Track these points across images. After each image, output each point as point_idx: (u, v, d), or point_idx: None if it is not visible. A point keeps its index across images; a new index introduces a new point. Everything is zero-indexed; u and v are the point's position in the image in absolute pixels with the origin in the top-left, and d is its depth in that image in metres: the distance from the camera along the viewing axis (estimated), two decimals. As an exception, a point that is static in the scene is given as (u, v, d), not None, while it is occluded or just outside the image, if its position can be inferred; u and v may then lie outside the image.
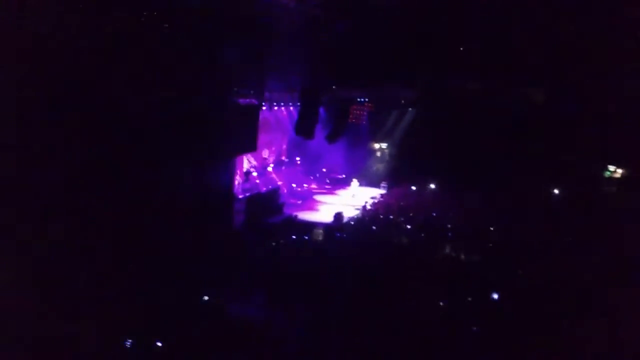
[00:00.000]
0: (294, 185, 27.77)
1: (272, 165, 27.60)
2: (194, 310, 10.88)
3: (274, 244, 16.90)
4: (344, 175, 31.48)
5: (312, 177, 30.37)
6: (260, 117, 21.95)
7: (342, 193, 29.53)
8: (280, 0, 16.80)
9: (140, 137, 13.30)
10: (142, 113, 13.28)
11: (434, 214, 21.59)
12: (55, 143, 11.26)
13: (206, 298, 11.31)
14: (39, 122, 10.94)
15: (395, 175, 30.97)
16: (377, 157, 33.62)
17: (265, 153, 27.30)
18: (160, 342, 9.22)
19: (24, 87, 10.56)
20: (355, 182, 28.73)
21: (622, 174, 27.24)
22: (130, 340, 9.14)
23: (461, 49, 23.40)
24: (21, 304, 9.25)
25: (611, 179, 27.44)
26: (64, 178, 11.42)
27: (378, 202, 25.73)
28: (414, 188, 28.04)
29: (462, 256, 15.68)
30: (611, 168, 27.35)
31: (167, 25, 14.02)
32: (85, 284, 10.63)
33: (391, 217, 21.17)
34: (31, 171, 10.82)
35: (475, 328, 10.55)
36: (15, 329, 8.73)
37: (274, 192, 24.12)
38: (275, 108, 24.87)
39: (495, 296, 11.81)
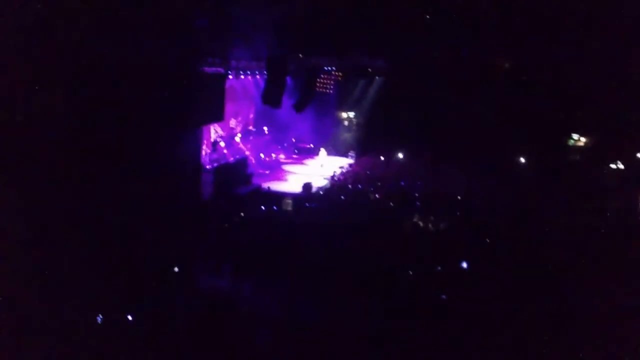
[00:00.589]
0: (262, 155, 27.60)
1: (239, 135, 27.33)
2: (164, 281, 10.80)
3: (242, 214, 16.82)
4: (312, 145, 31.39)
5: (280, 147, 30.21)
6: (227, 86, 21.63)
7: (310, 163, 29.48)
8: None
9: (105, 108, 13.00)
10: (106, 82, 12.96)
11: (402, 183, 21.73)
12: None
13: (176, 269, 11.24)
14: None
15: (363, 145, 31.00)
16: (345, 126, 33.55)
17: (232, 123, 27.01)
18: (131, 316, 9.15)
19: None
20: (323, 152, 28.68)
21: (586, 143, 27.73)
22: (101, 316, 9.04)
23: (427, 16, 23.30)
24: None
25: (575, 147, 27.92)
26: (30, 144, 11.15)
27: (346, 171, 25.79)
28: (382, 158, 28.14)
29: (430, 225, 15.85)
30: (575, 136, 27.81)
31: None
32: (51, 257, 10.44)
33: (360, 186, 21.24)
34: None
35: (443, 296, 10.71)
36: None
37: (242, 162, 23.94)
38: (242, 77, 24.51)
39: (465, 265, 11.97)
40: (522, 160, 25.84)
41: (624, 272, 11.36)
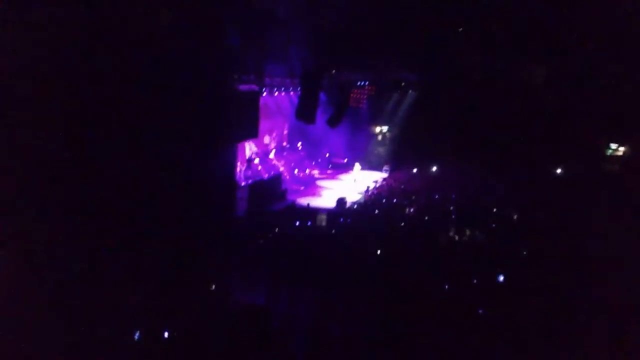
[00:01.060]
0: (296, 171, 27.73)
1: (274, 151, 27.53)
2: (200, 298, 10.89)
3: (277, 230, 16.89)
4: (346, 160, 31.44)
5: (314, 163, 30.31)
6: (261, 102, 21.85)
7: (344, 177, 29.50)
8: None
9: (141, 126, 13.22)
10: (142, 101, 13.19)
11: (437, 196, 21.57)
12: (55, 130, 11.19)
13: (212, 287, 11.32)
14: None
15: (397, 159, 30.96)
16: (379, 140, 33.55)
17: (266, 139, 27.23)
18: (168, 332, 9.24)
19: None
20: (357, 166, 28.66)
21: (625, 152, 27.16)
22: (138, 332, 9.15)
23: (460, 29, 23.22)
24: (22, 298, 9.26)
25: (613, 157, 27.37)
26: (63, 167, 11.36)
27: (380, 185, 25.71)
28: (415, 171, 28.00)
29: (466, 238, 15.69)
30: (613, 146, 27.28)
31: (166, 11, 13.87)
32: (88, 276, 10.62)
33: (394, 200, 21.15)
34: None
35: (481, 310, 10.56)
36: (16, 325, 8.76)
37: (276, 178, 24.08)
38: (276, 93, 24.75)
39: (501, 278, 11.80)
40: (559, 171, 25.42)
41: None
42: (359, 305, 10.60)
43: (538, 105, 25.66)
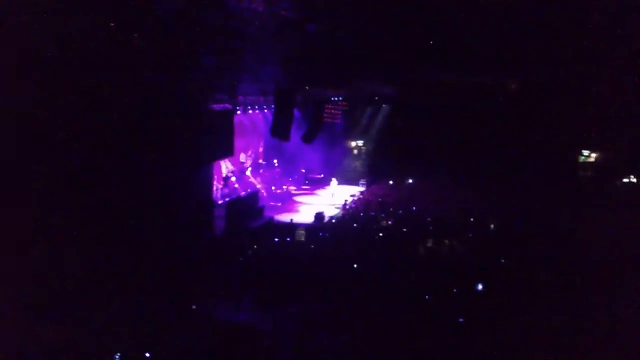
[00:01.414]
0: (273, 187, 27.74)
1: (250, 168, 27.53)
2: (181, 318, 10.82)
3: (256, 247, 16.87)
4: (322, 175, 31.54)
5: (290, 179, 30.36)
6: (236, 121, 21.88)
7: (321, 193, 29.59)
8: (249, 4, 16.75)
9: (115, 147, 13.19)
10: (116, 122, 13.17)
11: (414, 208, 21.74)
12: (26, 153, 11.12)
13: (194, 307, 11.26)
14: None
15: (373, 172, 31.15)
16: (354, 154, 33.74)
17: (242, 157, 27.23)
18: (149, 354, 9.17)
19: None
20: (334, 181, 28.78)
21: (597, 158, 27.69)
22: (118, 354, 9.07)
23: (431, 42, 23.52)
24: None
25: (586, 163, 27.89)
26: (37, 188, 11.28)
27: (358, 199, 25.84)
28: (391, 183, 28.20)
29: (444, 248, 15.83)
30: (585, 152, 27.80)
31: (137, 34, 13.90)
32: (65, 296, 10.51)
33: (372, 213, 21.27)
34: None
35: (461, 319, 10.66)
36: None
37: (254, 195, 24.06)
38: (250, 111, 24.82)
39: (480, 287, 11.93)
40: (534, 179, 25.82)
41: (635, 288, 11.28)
42: (341, 318, 10.63)
43: (511, 115, 26.09)
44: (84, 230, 11.94)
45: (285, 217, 23.23)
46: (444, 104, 26.88)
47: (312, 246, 17.11)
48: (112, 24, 12.78)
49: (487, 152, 25.87)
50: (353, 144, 33.73)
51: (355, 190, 29.32)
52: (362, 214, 21.53)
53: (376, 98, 31.73)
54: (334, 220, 22.02)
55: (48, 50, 11.00)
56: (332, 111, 31.66)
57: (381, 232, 17.73)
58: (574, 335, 9.64)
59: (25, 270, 10.30)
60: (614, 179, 25.92)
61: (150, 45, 13.99)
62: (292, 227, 20.18)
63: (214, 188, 21.95)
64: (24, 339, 8.88)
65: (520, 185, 24.23)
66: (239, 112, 22.57)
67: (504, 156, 25.55)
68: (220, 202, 22.39)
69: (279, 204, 26.23)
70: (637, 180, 25.65)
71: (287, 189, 28.80)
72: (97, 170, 12.62)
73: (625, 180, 25.88)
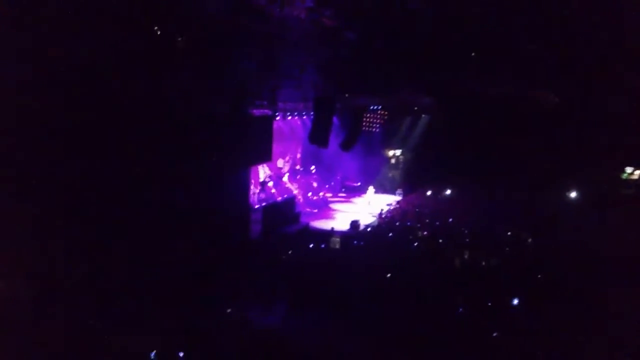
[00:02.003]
0: (309, 194, 27.83)
1: (287, 174, 27.68)
2: (215, 320, 10.95)
3: (290, 252, 16.96)
4: (359, 183, 31.50)
5: (327, 186, 30.40)
6: (275, 127, 22.05)
7: (357, 201, 29.54)
8: (292, 12, 16.92)
9: (157, 150, 13.45)
10: (159, 126, 13.43)
11: (451, 220, 21.56)
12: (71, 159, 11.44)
13: (228, 310, 11.37)
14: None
15: (410, 182, 30.98)
16: (392, 164, 33.63)
17: (280, 163, 27.40)
18: (183, 353, 9.30)
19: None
20: (370, 190, 28.72)
21: (640, 175, 27.05)
22: (154, 352, 9.22)
23: (473, 54, 23.37)
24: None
25: (629, 180, 27.23)
26: (85, 194, 11.59)
27: (394, 208, 25.73)
28: (429, 193, 28.01)
29: (480, 261, 15.65)
30: (629, 169, 27.16)
31: (181, 38, 14.17)
32: (107, 297, 10.76)
33: (408, 223, 21.16)
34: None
35: (495, 334, 10.53)
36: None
37: (290, 201, 24.19)
38: (289, 118, 24.99)
39: (515, 301, 11.75)
40: (575, 194, 25.34)
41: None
42: (373, 329, 10.60)
43: (553, 129, 25.68)
44: (123, 232, 12.20)
45: (322, 224, 23.29)
46: (484, 115, 26.63)
47: (347, 254, 17.11)
48: (156, 28, 13.05)
49: (526, 166, 25.48)
50: (391, 153, 33.61)
51: (392, 199, 29.20)
52: (397, 224, 21.43)
53: (415, 108, 31.59)
54: (369, 229, 21.96)
55: (91, 53, 11.29)
56: (371, 120, 31.72)
57: (417, 243, 17.61)
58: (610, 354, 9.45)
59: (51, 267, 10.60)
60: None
61: (193, 49, 14.25)
62: (328, 234, 20.22)
63: (251, 192, 22.14)
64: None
65: (561, 200, 23.80)
66: (278, 118, 22.75)
67: (544, 171, 25.13)
68: (256, 206, 22.58)
69: (315, 211, 26.29)
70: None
71: (323, 195, 28.85)
72: (137, 173, 12.89)
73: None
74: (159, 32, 13.37)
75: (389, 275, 13.80)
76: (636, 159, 26.62)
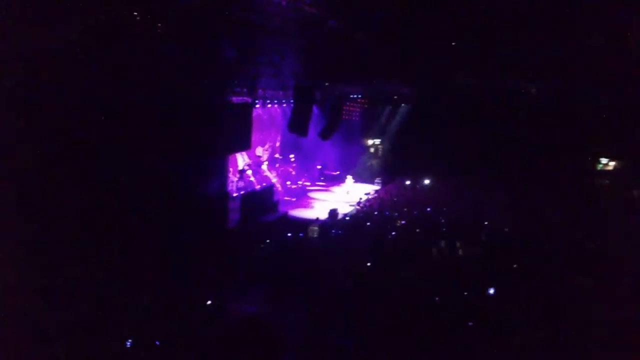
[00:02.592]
0: (288, 182, 27.81)
1: (266, 163, 27.62)
2: (193, 309, 10.91)
3: (268, 241, 16.95)
4: (338, 172, 31.56)
5: (306, 174, 30.40)
6: (254, 114, 21.96)
7: (336, 190, 29.60)
8: (272, -1, 16.81)
9: (134, 136, 13.31)
10: (136, 112, 13.30)
11: (429, 209, 21.69)
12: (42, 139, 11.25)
13: (207, 300, 11.34)
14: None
15: (389, 171, 31.10)
16: (371, 153, 33.71)
17: (259, 151, 27.31)
18: (158, 342, 9.26)
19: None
20: (349, 179, 28.79)
21: (615, 167, 27.44)
22: (130, 340, 9.17)
23: (453, 44, 23.45)
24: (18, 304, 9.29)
25: (604, 171, 27.64)
26: (53, 176, 11.41)
27: (372, 198, 25.82)
28: (408, 183, 28.15)
29: (457, 251, 15.77)
30: (604, 160, 27.55)
31: (160, 24, 14.01)
32: (81, 284, 10.65)
33: (386, 213, 21.25)
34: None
35: (470, 323, 10.63)
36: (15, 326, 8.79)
37: (269, 190, 24.15)
38: (269, 106, 24.90)
39: (492, 291, 11.87)
40: (550, 184, 25.64)
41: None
42: (352, 315, 10.65)
43: (530, 120, 25.95)
44: (96, 221, 12.07)
45: (300, 213, 23.30)
46: (463, 106, 26.81)
47: (325, 242, 17.15)
48: (135, 14, 12.89)
49: (504, 156, 25.72)
50: (370, 142, 33.70)
51: (371, 188, 29.28)
52: (376, 213, 21.52)
53: (395, 97, 31.69)
54: (347, 218, 22.02)
55: (66, 38, 11.09)
56: (351, 108, 31.74)
57: (394, 232, 17.70)
58: (583, 342, 9.60)
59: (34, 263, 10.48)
60: (631, 188, 25.67)
61: (172, 35, 14.10)
62: (305, 222, 20.24)
63: (230, 180, 22.05)
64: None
65: (536, 190, 24.06)
66: (257, 106, 22.65)
67: (521, 161, 25.40)
68: (235, 194, 22.51)
69: (294, 199, 26.29)
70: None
71: (302, 184, 28.85)
72: (113, 159, 12.74)
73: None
74: (138, 18, 13.20)
75: (367, 264, 13.85)
76: (611, 150, 27.02)
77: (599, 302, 11.06)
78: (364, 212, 22.57)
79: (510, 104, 26.37)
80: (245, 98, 20.07)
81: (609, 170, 27.58)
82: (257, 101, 22.06)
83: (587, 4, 17.24)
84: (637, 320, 10.15)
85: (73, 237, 11.47)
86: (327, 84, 25.08)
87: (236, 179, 24.01)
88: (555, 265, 13.68)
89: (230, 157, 22.03)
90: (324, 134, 25.00)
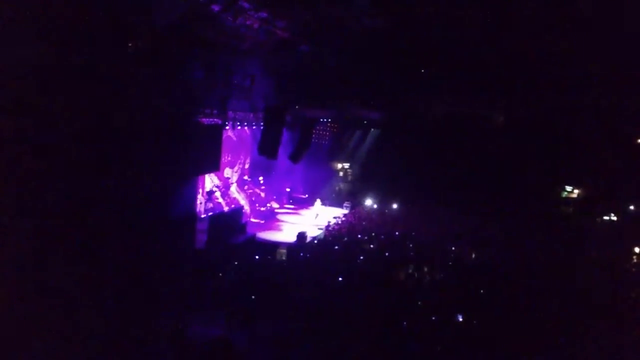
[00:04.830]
0: (257, 205, 27.69)
1: (235, 184, 27.48)
2: (155, 332, 10.70)
3: (236, 263, 16.79)
4: (307, 195, 31.56)
5: (275, 197, 30.31)
6: (224, 136, 21.88)
7: (305, 213, 29.55)
8: (245, 21, 16.88)
9: (101, 157, 13.13)
10: (104, 132, 13.13)
11: (397, 233, 21.78)
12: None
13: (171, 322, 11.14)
14: None
15: (358, 195, 31.21)
16: (340, 176, 33.82)
17: (228, 172, 27.19)
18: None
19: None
20: (318, 202, 28.80)
21: (579, 194, 28.02)
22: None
23: (422, 71, 23.85)
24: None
25: (568, 199, 28.19)
26: (21, 199, 11.18)
27: (341, 221, 25.85)
28: (375, 206, 28.28)
29: (425, 275, 15.83)
30: (568, 188, 28.11)
31: (130, 45, 13.93)
32: (41, 309, 10.37)
33: (359, 236, 21.27)
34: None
35: (439, 348, 10.64)
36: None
37: (237, 212, 23.99)
38: (239, 127, 24.88)
39: (460, 318, 11.87)
40: (515, 211, 26.04)
41: (617, 322, 11.38)
42: (318, 342, 10.56)
43: (496, 147, 26.40)
44: (59, 243, 11.82)
45: (269, 236, 23.18)
46: (431, 131, 27.19)
47: (292, 266, 17.05)
48: (106, 32, 12.79)
49: (470, 182, 26.08)
50: (339, 166, 33.83)
51: (339, 212, 29.32)
52: (345, 238, 21.51)
53: (365, 122, 31.97)
54: (316, 242, 21.97)
55: (38, 58, 10.96)
56: (321, 132, 31.91)
57: (363, 256, 17.70)
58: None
59: None
60: (594, 216, 26.24)
61: (142, 56, 14.02)
62: (273, 245, 20.13)
63: (198, 202, 21.87)
64: None
65: (501, 217, 24.40)
66: (227, 128, 22.59)
67: (487, 187, 25.76)
68: (203, 216, 22.31)
69: (262, 222, 26.15)
70: (616, 218, 25.99)
71: (271, 207, 28.75)
72: (80, 180, 12.54)
73: (606, 217, 26.23)
74: (109, 39, 13.10)
75: (334, 288, 13.80)
76: (575, 178, 27.60)
77: (564, 326, 11.20)
78: (333, 235, 22.55)
79: (477, 131, 26.79)
80: (215, 119, 20.00)
81: (573, 198, 28.15)
82: (227, 123, 22.00)
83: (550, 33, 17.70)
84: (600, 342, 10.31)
85: (34, 265, 11.20)
86: (297, 107, 25.18)
87: (204, 200, 23.83)
88: (521, 290, 13.82)
89: (199, 178, 21.87)
90: (294, 157, 25.03)
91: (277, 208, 29.57)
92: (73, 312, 10.31)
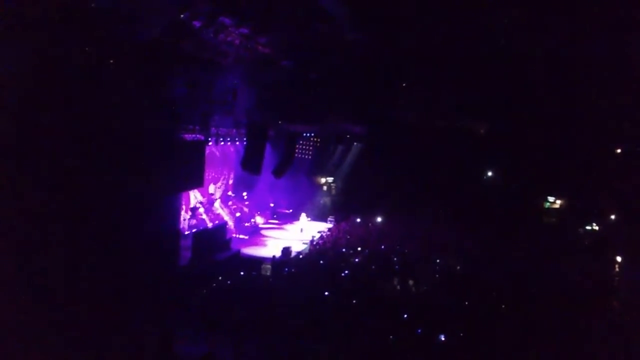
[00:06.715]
0: (241, 220, 27.59)
1: (218, 200, 27.39)
2: (140, 349, 10.61)
3: (220, 278, 16.71)
4: (291, 210, 31.51)
5: (259, 212, 30.22)
6: (207, 152, 21.83)
7: (290, 227, 29.48)
8: (226, 37, 16.93)
9: (84, 173, 13.04)
10: (86, 148, 13.05)
11: (382, 247, 21.81)
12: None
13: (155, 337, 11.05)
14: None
15: (342, 209, 31.23)
16: (324, 191, 33.84)
17: (211, 188, 27.10)
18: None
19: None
20: (303, 217, 28.76)
21: (561, 205, 28.27)
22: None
23: (403, 85, 24.05)
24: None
25: (551, 209, 28.43)
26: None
27: (326, 236, 25.83)
28: (358, 220, 28.31)
29: (409, 288, 15.85)
30: (551, 199, 28.35)
31: (112, 61, 13.90)
32: (26, 327, 10.25)
33: (340, 250, 21.26)
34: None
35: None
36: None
37: (221, 228, 23.87)
38: (222, 143, 24.84)
39: (442, 338, 11.78)
40: (499, 223, 26.19)
41: (599, 331, 11.47)
42: (304, 356, 10.53)
43: (479, 159, 26.61)
44: (45, 257, 11.71)
45: (253, 251, 23.08)
46: (414, 144, 27.32)
47: (277, 281, 17.01)
48: (87, 49, 12.77)
49: (454, 194, 26.22)
50: (323, 180, 33.87)
51: (324, 226, 29.30)
52: (330, 252, 21.49)
53: (347, 136, 32.08)
54: (301, 256, 21.93)
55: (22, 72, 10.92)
56: (304, 147, 31.96)
57: (348, 270, 17.69)
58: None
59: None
60: (577, 226, 26.47)
61: (125, 72, 13.99)
62: (258, 261, 20.04)
63: (182, 218, 21.75)
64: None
65: (485, 228, 24.54)
66: (210, 144, 22.55)
67: (471, 199, 25.92)
68: (187, 232, 22.18)
69: (247, 237, 26.04)
70: (598, 228, 26.25)
71: (255, 222, 28.66)
72: (62, 196, 12.43)
73: (588, 227, 26.49)
74: (90, 54, 13.07)
75: (320, 302, 13.78)
76: (558, 189, 27.85)
77: (548, 337, 11.26)
78: (318, 250, 22.53)
79: (459, 144, 26.98)
80: (197, 135, 19.97)
81: (556, 209, 28.39)
82: (210, 139, 21.97)
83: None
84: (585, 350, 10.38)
85: (13, 278, 11.08)
86: (280, 122, 25.22)
87: (188, 216, 23.72)
88: (505, 301, 13.88)
89: (183, 195, 21.77)
90: (277, 172, 25.04)
91: (262, 223, 29.49)
92: (54, 329, 10.19)
